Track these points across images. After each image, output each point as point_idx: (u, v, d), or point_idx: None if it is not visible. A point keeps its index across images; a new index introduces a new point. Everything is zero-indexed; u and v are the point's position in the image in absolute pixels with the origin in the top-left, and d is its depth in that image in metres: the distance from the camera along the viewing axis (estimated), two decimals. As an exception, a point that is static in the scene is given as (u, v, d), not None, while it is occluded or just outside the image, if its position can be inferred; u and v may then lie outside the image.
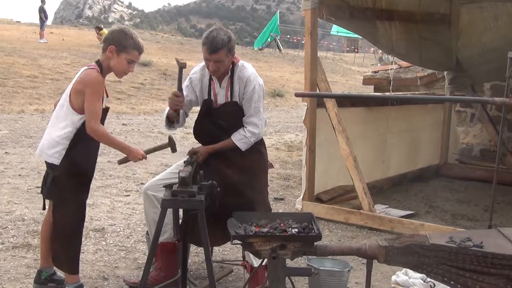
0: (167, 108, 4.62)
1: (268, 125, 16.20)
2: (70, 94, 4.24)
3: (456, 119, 10.89)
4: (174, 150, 4.51)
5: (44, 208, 4.55)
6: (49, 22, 42.44)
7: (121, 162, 4.49)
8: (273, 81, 27.47)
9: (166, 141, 4.52)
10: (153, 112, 18.13)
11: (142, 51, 4.41)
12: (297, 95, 4.32)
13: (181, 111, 4.60)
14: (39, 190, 7.39)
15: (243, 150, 4.56)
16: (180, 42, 39.12)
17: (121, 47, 4.27)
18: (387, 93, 9.73)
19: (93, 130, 4.16)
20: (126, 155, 4.38)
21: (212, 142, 4.57)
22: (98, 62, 4.32)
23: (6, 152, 10.21)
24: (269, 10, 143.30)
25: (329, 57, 48.47)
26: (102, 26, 31.97)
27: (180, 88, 4.40)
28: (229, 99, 4.58)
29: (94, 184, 8.04)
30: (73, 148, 4.22)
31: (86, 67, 4.32)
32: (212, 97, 4.62)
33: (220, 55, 4.37)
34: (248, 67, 4.64)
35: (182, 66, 4.25)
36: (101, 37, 30.91)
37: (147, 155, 4.40)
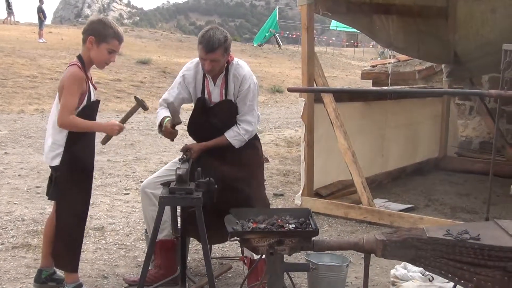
0: (161, 111, 4.61)
1: (267, 121, 16.22)
2: (58, 94, 4.25)
3: (456, 112, 10.88)
4: (145, 108, 4.44)
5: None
6: (48, 21, 42.47)
7: (104, 141, 4.44)
8: (272, 77, 27.46)
9: (135, 103, 4.46)
10: (153, 110, 18.07)
11: (122, 40, 4.37)
12: (290, 90, 4.32)
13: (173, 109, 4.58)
14: (39, 190, 7.49)
15: (236, 147, 4.57)
16: (179, 39, 39.09)
17: (100, 37, 4.24)
18: (384, 87, 9.73)
19: (61, 124, 4.16)
20: (105, 134, 4.37)
21: (206, 140, 4.58)
22: (79, 57, 4.31)
23: (5, 152, 10.21)
24: (268, 6, 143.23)
25: (329, 52, 48.47)
26: None
27: (173, 126, 4.40)
28: (224, 97, 4.58)
29: (93, 183, 8.06)
30: (70, 147, 4.23)
31: (68, 65, 4.31)
32: (206, 95, 4.62)
33: (216, 55, 4.37)
34: (243, 66, 4.64)
35: (177, 123, 4.29)
36: None
37: (124, 124, 4.37)
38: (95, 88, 4.46)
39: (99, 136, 4.47)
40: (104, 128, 4.32)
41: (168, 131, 4.43)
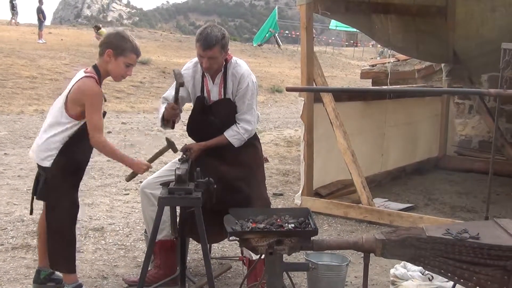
0: (162, 107, 4.61)
1: (267, 121, 16.21)
2: (66, 101, 4.22)
3: (455, 111, 10.88)
4: (175, 150, 4.51)
5: (31, 213, 4.56)
6: (47, 22, 42.45)
7: (129, 178, 4.51)
8: (272, 76, 27.45)
9: (165, 143, 4.50)
10: (152, 110, 18.10)
11: (139, 54, 4.38)
12: (288, 89, 4.33)
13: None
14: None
15: (236, 146, 4.57)
16: (179, 39, 39.05)
17: (118, 50, 4.23)
18: (384, 87, 9.72)
19: (97, 143, 4.18)
20: (131, 170, 4.38)
21: (206, 139, 4.58)
22: (95, 67, 4.29)
23: (5, 153, 10.21)
24: (267, 5, 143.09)
25: (328, 52, 48.42)
26: (101, 26, 31.93)
27: (176, 101, 4.39)
28: (223, 96, 4.58)
29: (93, 183, 8.09)
30: (64, 151, 4.21)
31: (83, 74, 4.25)
32: (205, 94, 4.62)
33: (213, 52, 4.38)
34: (242, 64, 4.65)
35: (180, 84, 4.26)
36: (100, 37, 30.91)
37: (151, 163, 4.39)
38: (105, 100, 4.45)
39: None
40: (132, 164, 4.32)
41: (170, 106, 4.41)
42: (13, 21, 38.82)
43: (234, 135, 4.56)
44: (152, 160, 4.45)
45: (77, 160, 4.30)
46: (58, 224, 4.29)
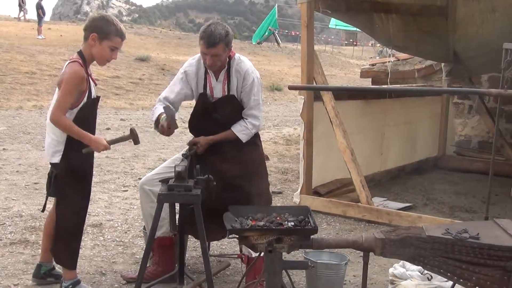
0: (159, 108, 4.56)
1: (266, 119, 16.19)
2: (58, 91, 4.23)
3: (454, 111, 10.88)
4: (136, 142, 4.36)
5: (43, 210, 4.53)
6: (47, 18, 42.43)
7: (85, 151, 4.40)
8: (271, 75, 27.44)
9: (128, 133, 4.39)
10: (151, 107, 17.95)
11: (124, 38, 4.34)
12: (290, 88, 4.32)
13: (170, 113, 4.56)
14: (37, 186, 7.49)
15: (244, 141, 4.56)
16: (178, 37, 39.04)
17: (103, 34, 4.21)
18: (384, 86, 9.72)
19: (55, 121, 4.14)
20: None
21: (207, 136, 4.56)
22: (80, 53, 4.28)
23: (4, 149, 10.20)
24: (267, 4, 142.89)
25: (328, 51, 48.41)
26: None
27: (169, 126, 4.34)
28: (226, 93, 4.57)
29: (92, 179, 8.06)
30: (70, 144, 4.21)
31: (68, 61, 4.29)
32: (208, 91, 4.61)
33: (217, 50, 4.37)
34: (245, 61, 4.64)
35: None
36: None
37: (110, 145, 4.32)
38: (95, 84, 4.43)
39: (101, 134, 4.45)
40: (90, 141, 4.22)
41: (164, 130, 4.39)
42: (22, 17, 38.58)
43: (242, 130, 4.55)
44: (111, 142, 4.36)
45: (82, 154, 4.28)
46: (65, 220, 4.29)
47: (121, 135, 4.53)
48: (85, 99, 4.23)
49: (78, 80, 4.15)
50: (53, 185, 4.35)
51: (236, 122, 4.59)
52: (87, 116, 4.27)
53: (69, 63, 4.26)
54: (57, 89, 4.28)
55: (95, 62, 4.39)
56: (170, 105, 4.47)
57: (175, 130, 4.39)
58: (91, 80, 4.32)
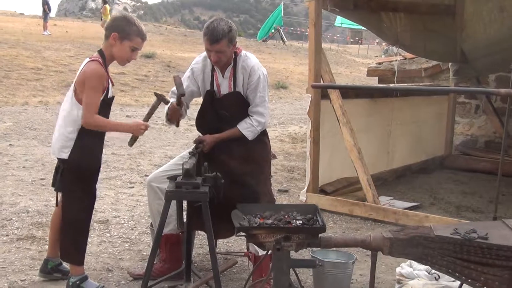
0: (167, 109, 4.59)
1: (272, 117, 16.17)
2: (75, 88, 4.23)
3: (461, 111, 10.87)
4: (166, 102, 4.41)
5: (57, 204, 4.53)
6: (52, 14, 42.46)
7: (131, 143, 4.44)
8: (277, 72, 27.40)
9: (155, 99, 4.42)
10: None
11: (145, 38, 4.37)
12: (313, 86, 4.32)
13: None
14: (44, 182, 7.50)
15: (249, 139, 4.54)
16: (183, 34, 39.04)
17: (124, 34, 4.24)
18: (391, 85, 9.71)
19: (87, 123, 4.16)
20: (131, 134, 4.37)
21: (214, 133, 4.55)
22: (100, 52, 4.30)
23: (10, 144, 10.21)
24: (273, 1, 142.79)
25: (333, 49, 48.36)
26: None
27: (178, 104, 4.37)
28: (233, 89, 4.56)
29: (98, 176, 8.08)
30: (80, 141, 4.22)
31: (88, 59, 4.29)
32: (215, 88, 4.60)
33: (221, 46, 4.36)
34: (252, 57, 4.63)
35: (181, 95, 4.25)
36: (104, 12, 31.17)
37: (148, 122, 4.36)
38: (113, 84, 4.45)
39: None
40: (130, 128, 4.31)
41: (173, 107, 4.39)
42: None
43: (247, 127, 4.54)
44: (147, 118, 4.41)
45: (92, 148, 4.29)
46: (73, 215, 4.29)
47: (151, 106, 4.49)
48: (102, 98, 4.24)
49: (101, 79, 4.19)
50: (59, 180, 4.35)
51: (242, 120, 4.59)
52: (101, 115, 4.28)
53: (88, 61, 4.26)
54: (73, 87, 4.26)
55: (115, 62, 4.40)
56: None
57: (182, 110, 4.40)
58: (109, 80, 4.33)
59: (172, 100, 4.50)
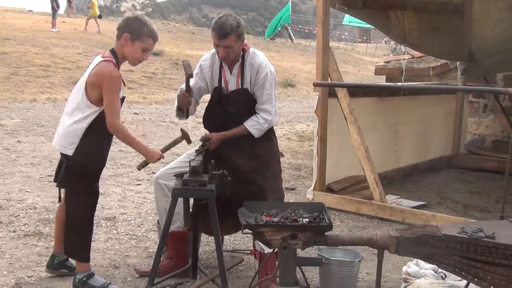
0: (176, 100, 4.59)
1: (279, 115, 16.18)
2: (86, 86, 4.22)
3: (468, 110, 10.84)
4: (189, 141, 4.50)
5: (60, 200, 4.54)
6: (61, 11, 42.50)
7: (140, 167, 4.50)
8: (284, 71, 27.43)
9: (179, 134, 4.48)
10: (164, 101, 18.14)
11: (157, 39, 4.36)
12: (315, 84, 4.31)
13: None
14: (51, 178, 7.49)
15: (256, 136, 4.53)
16: (192, 31, 39.08)
17: (135, 34, 4.23)
18: (399, 83, 9.69)
19: (113, 127, 4.16)
20: (144, 158, 4.38)
21: (221, 130, 4.54)
22: (112, 51, 4.30)
23: (18, 141, 10.25)
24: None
25: (341, 47, 48.32)
26: None
27: (187, 89, 4.37)
28: (240, 86, 4.56)
29: (105, 173, 8.07)
30: (86, 139, 4.21)
31: (101, 58, 4.26)
32: (223, 84, 4.60)
33: (229, 41, 4.36)
34: (260, 54, 4.62)
35: (189, 75, 4.24)
36: (92, 6, 31.18)
37: (164, 153, 4.38)
38: (124, 84, 4.44)
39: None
40: (146, 152, 4.31)
41: (182, 93, 4.40)
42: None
43: (254, 125, 4.53)
44: (165, 150, 4.45)
45: (98, 147, 4.30)
46: (77, 212, 4.29)
47: (173, 139, 4.56)
48: None
49: (118, 80, 4.20)
50: (61, 176, 4.35)
51: (249, 117, 4.58)
52: None
53: (102, 61, 4.23)
54: (82, 83, 4.25)
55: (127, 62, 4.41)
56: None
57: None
58: (122, 80, 4.33)
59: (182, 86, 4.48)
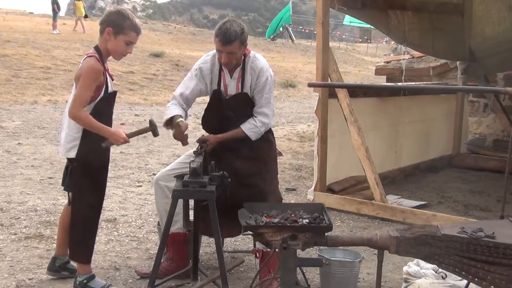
0: (170, 108, 4.59)
1: (280, 116, 16.21)
2: (75, 84, 4.24)
3: (469, 109, 10.84)
4: (155, 134, 4.36)
5: (69, 204, 4.53)
6: (62, 13, 42.51)
7: (104, 145, 4.39)
8: (285, 71, 27.43)
9: (147, 125, 4.38)
10: (165, 103, 18.00)
11: (139, 32, 4.34)
12: (310, 85, 4.30)
13: (182, 111, 4.60)
14: (52, 181, 7.52)
15: (253, 139, 4.55)
16: (192, 33, 39.08)
17: (118, 28, 4.22)
18: (399, 83, 9.68)
19: (73, 115, 4.13)
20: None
21: (220, 132, 4.55)
22: (96, 48, 4.29)
23: (19, 143, 10.25)
24: (282, 0, 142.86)
25: (342, 48, 48.34)
26: None
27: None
28: (240, 90, 4.57)
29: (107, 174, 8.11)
30: (86, 139, 4.22)
31: (85, 55, 4.29)
32: (222, 88, 4.61)
33: (233, 47, 4.36)
34: (260, 58, 4.63)
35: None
36: (77, 7, 31.25)
37: (129, 139, 4.32)
38: (112, 79, 4.44)
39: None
40: (111, 134, 4.23)
41: (180, 132, 4.39)
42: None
43: (251, 128, 4.54)
44: (131, 135, 4.37)
45: (99, 148, 4.29)
46: (82, 213, 4.30)
47: (141, 128, 4.51)
48: (102, 94, 4.24)
49: (95, 75, 4.16)
50: (68, 179, 4.36)
51: (246, 120, 4.59)
52: (104, 110, 4.28)
53: (85, 58, 4.26)
54: (74, 84, 4.29)
55: (111, 57, 4.39)
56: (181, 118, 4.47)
57: (190, 120, 4.41)
58: (108, 75, 4.32)
59: (181, 119, 4.45)
